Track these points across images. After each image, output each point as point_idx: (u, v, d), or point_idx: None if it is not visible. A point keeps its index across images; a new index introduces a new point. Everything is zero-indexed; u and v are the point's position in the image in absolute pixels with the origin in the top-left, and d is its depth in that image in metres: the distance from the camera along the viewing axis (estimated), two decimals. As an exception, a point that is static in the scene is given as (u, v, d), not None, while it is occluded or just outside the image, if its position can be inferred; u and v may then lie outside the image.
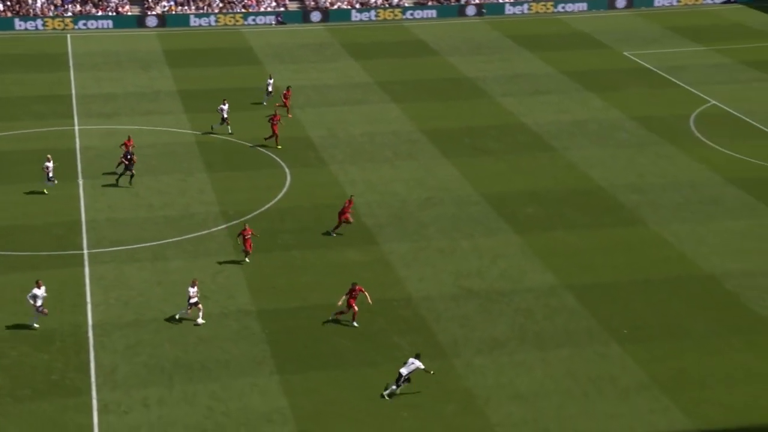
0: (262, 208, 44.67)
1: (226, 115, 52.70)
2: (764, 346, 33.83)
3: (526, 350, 33.78)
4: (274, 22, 78.44)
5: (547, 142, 52.83)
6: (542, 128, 54.85)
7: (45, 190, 45.58)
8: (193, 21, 77.07)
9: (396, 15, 79.33)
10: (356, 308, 34.93)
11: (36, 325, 34.39)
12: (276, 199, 45.69)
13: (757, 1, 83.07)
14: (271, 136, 51.42)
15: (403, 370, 30.58)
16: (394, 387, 30.88)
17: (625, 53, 69.58)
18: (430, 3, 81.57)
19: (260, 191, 46.38)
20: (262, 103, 57.77)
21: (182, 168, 48.36)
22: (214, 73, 64.89)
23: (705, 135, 53.52)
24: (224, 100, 53.97)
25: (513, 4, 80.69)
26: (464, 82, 63.25)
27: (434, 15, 79.73)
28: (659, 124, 55.21)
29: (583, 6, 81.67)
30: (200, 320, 35.08)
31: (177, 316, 35.17)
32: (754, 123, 55.26)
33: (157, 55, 69.03)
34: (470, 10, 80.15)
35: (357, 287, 34.91)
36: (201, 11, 78.16)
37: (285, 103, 55.51)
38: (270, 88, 57.43)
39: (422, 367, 30.72)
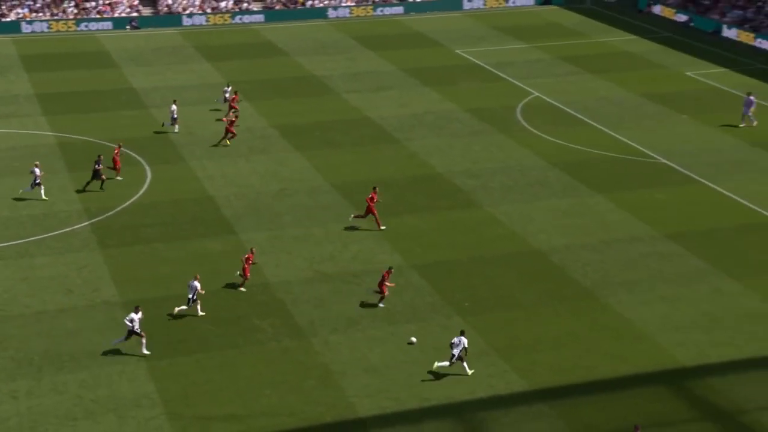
0: (124, 204, 43.46)
1: (176, 116, 51.86)
2: (586, 312, 35.17)
3: (377, 326, 34.09)
4: (128, 27, 76.23)
5: (390, 134, 53.31)
6: (385, 121, 55.32)
7: (44, 197, 43.22)
8: (25, 27, 73.39)
9: (225, 19, 78.16)
10: (386, 292, 34.93)
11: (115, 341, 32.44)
12: (137, 195, 44.50)
13: (570, 3, 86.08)
14: (231, 136, 50.71)
15: (455, 351, 30.53)
16: (446, 364, 30.81)
17: (457, 51, 70.87)
18: (277, 7, 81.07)
19: (122, 188, 45.06)
20: (217, 108, 56.28)
21: (44, 168, 46.42)
22: (72, 77, 62.59)
23: (530, 124, 55.12)
24: (175, 101, 53.18)
25: (335, 8, 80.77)
26: (312, 80, 63.11)
27: (262, 19, 78.64)
28: (490, 114, 56.50)
29: (400, 9, 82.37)
30: (200, 312, 34.22)
31: (176, 311, 33.94)
32: (572, 112, 57.24)
33: (13, 59, 66.04)
34: (313, 14, 79.84)
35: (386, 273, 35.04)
36: (55, 17, 75.19)
37: (233, 105, 54.31)
38: (227, 95, 55.90)
39: (466, 345, 30.74)
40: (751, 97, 54.54)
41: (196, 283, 33.77)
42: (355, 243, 40.24)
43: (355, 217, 41.48)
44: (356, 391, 30.38)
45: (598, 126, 54.69)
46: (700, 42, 72.79)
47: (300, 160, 49.15)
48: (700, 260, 38.75)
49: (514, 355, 32.30)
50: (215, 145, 50.48)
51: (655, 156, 50.03)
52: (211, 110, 56.35)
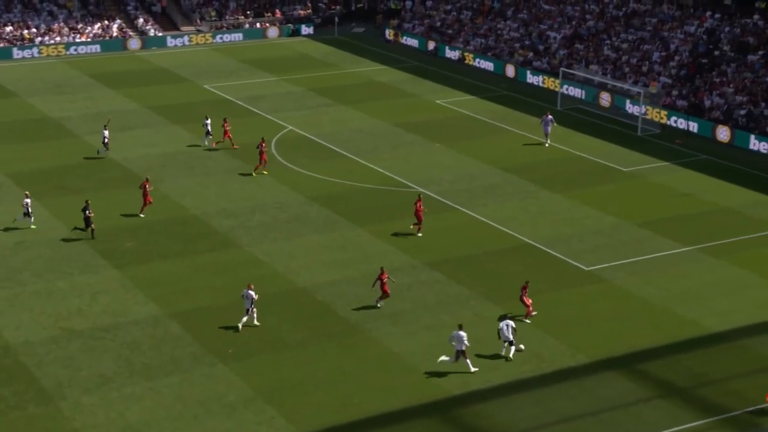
0: None
1: (107, 140, 53.52)
2: (355, 348, 35.53)
3: (134, 382, 32.77)
4: None
5: (137, 175, 51.78)
6: (132, 162, 53.73)
7: (32, 226, 44.52)
8: None
9: None
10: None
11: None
12: None
13: (318, 35, 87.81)
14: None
15: (509, 336, 33.91)
16: (520, 347, 34.49)
17: (205, 86, 70.26)
18: (1, 45, 77.15)
19: None
20: (202, 143, 55.93)
21: None
22: None
23: (286, 158, 55.40)
24: (105, 125, 53.22)
25: (20, 48, 77.58)
26: (48, 122, 60.32)
27: None
28: (242, 151, 56.21)
29: (97, 48, 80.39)
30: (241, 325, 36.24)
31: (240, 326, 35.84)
32: (327, 144, 58.13)
33: None
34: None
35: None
36: None
37: (227, 133, 55.38)
38: (209, 128, 55.55)
39: (513, 325, 34.39)
40: (549, 117, 57.96)
41: (251, 292, 35.74)
42: (104, 294, 38.60)
43: (416, 227, 44.94)
44: (114, 455, 28.98)
45: (353, 157, 55.84)
46: (447, 70, 76.36)
47: (37, 208, 46.60)
48: (461, 286, 40.28)
49: (283, 399, 32.03)
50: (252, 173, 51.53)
51: (412, 185, 51.69)
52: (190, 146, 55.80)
